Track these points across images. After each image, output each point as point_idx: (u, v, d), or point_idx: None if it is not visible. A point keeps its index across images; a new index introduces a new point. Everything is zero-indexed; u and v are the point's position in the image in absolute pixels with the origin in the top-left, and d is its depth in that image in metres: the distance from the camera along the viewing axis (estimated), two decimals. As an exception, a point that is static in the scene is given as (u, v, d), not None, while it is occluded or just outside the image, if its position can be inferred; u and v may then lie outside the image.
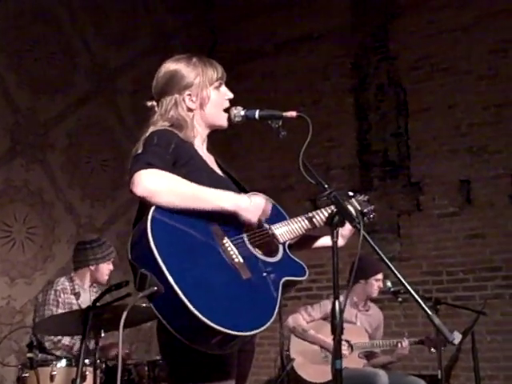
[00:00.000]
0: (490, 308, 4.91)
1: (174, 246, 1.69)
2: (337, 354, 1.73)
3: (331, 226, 1.86)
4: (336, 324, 1.74)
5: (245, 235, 1.89)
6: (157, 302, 1.63)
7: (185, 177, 1.80)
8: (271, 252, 1.95)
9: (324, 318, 4.57)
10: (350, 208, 2.03)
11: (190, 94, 1.98)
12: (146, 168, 1.74)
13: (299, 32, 6.71)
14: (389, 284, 4.36)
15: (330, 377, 3.99)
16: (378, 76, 6.36)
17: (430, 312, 1.71)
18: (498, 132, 5.70)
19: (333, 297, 1.80)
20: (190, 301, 1.60)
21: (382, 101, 6.34)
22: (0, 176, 5.22)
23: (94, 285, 4.15)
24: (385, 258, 1.79)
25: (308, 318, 4.60)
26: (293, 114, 1.97)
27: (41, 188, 5.54)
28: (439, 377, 3.70)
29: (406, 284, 1.77)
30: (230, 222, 1.85)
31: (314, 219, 2.07)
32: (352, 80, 6.50)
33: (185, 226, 1.75)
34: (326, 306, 4.57)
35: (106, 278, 4.09)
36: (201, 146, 2.01)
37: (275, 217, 2.02)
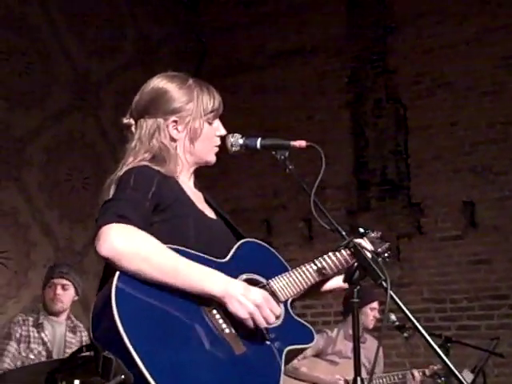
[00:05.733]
0: (496, 339, 4.80)
1: (146, 320, 1.49)
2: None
3: (351, 283, 1.71)
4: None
5: None
6: None
7: (166, 225, 1.65)
8: None
9: (316, 355, 4.39)
10: (368, 254, 1.77)
11: (175, 121, 1.82)
12: (117, 222, 1.55)
13: (292, 44, 6.65)
14: (393, 318, 4.21)
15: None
16: (376, 90, 6.31)
17: (447, 360, 1.63)
18: (503, 151, 5.62)
19: (353, 377, 1.67)
20: None
21: (379, 116, 6.28)
22: (-29, 195, 5.17)
23: (73, 319, 3.96)
24: (414, 320, 1.66)
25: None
26: (302, 143, 1.83)
27: (15, 208, 5.41)
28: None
29: (423, 331, 1.66)
30: None
31: (324, 270, 1.86)
32: (348, 94, 6.44)
33: (159, 292, 1.55)
34: (318, 341, 4.43)
35: (56, 305, 3.81)
36: (187, 182, 1.85)
37: (273, 267, 1.82)
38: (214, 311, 1.60)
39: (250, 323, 1.60)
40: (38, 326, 3.77)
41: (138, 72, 6.10)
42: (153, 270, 1.54)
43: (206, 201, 1.92)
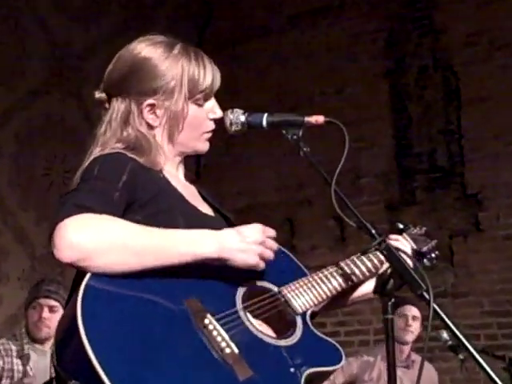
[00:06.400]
0: None
1: (123, 340, 1.46)
2: None
3: (384, 294, 1.70)
4: None
5: (240, 307, 1.68)
6: None
7: (149, 223, 1.61)
8: (285, 329, 1.75)
9: (350, 382, 4.52)
10: (408, 260, 1.75)
11: (152, 105, 1.81)
12: (75, 213, 1.53)
13: (316, 1, 6.66)
14: (445, 336, 4.26)
15: None
16: (421, 56, 6.30)
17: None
18: None
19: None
20: None
21: (425, 88, 6.27)
22: None
23: None
24: (463, 339, 1.64)
25: None
26: (319, 119, 1.82)
27: (-18, 210, 5.52)
28: None
29: (475, 353, 1.64)
30: (213, 287, 1.66)
31: (353, 276, 1.90)
32: (386, 61, 6.45)
33: (140, 305, 1.53)
34: (351, 365, 4.52)
35: (41, 331, 3.77)
36: (174, 173, 1.87)
37: (288, 273, 1.84)
38: (210, 327, 1.58)
39: (262, 265, 1.67)
40: (23, 358, 3.72)
41: (128, 41, 6.04)
42: (133, 256, 1.54)
43: (202, 196, 1.93)
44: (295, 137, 1.81)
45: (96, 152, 1.74)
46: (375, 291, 1.73)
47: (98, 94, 1.86)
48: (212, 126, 1.87)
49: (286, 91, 6.49)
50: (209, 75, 1.84)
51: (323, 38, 6.62)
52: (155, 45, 1.82)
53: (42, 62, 5.89)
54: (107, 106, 1.84)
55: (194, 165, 6.38)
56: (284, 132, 1.82)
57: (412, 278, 1.63)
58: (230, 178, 6.26)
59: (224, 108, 1.89)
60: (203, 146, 1.88)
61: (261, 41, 6.81)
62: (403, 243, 2.04)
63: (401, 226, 2.14)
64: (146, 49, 1.81)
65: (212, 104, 1.87)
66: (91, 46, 6.26)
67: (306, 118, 1.82)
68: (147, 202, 1.69)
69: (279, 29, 6.81)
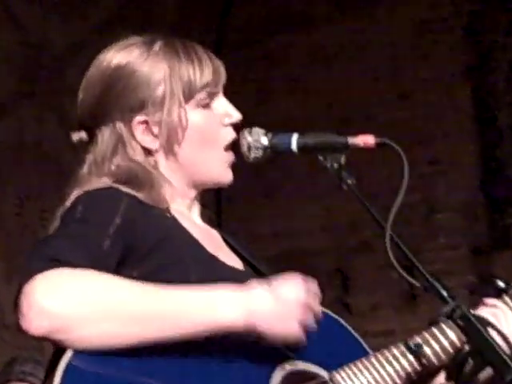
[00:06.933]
0: None
1: None
2: None
3: (460, 379, 1.71)
4: None
5: None
6: None
7: (150, 281, 1.62)
8: None
9: None
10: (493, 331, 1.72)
11: (145, 122, 1.83)
12: (48, 269, 1.52)
13: None
14: None
15: None
16: None
17: None
18: None
19: None
20: None
21: None
22: None
23: None
24: None
25: None
26: (368, 140, 1.80)
27: None
28: None
29: None
30: (237, 371, 1.66)
31: (424, 359, 1.81)
32: (466, 57, 6.37)
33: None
34: None
35: None
36: (186, 213, 1.89)
37: (341, 348, 1.85)
38: None
39: (303, 338, 1.67)
40: None
41: (120, 36, 6.14)
42: (128, 326, 1.57)
43: (226, 242, 1.95)
44: (336, 165, 1.78)
45: (76, 194, 1.77)
46: (449, 377, 1.78)
47: (77, 136, 1.90)
48: (231, 134, 1.86)
49: (332, 98, 6.39)
50: (207, 68, 1.86)
51: (381, 29, 6.49)
52: (128, 47, 1.86)
53: (10, 66, 5.84)
54: (92, 144, 1.88)
55: (214, 197, 6.13)
56: (321, 158, 1.80)
57: (500, 358, 1.61)
58: (261, 216, 6.16)
59: (250, 122, 1.89)
60: (224, 174, 1.88)
61: (299, 33, 6.71)
62: (503, 312, 1.90)
63: (501, 284, 1.94)
64: (118, 55, 1.85)
65: (224, 103, 1.88)
66: (73, 45, 6.20)
67: (351, 140, 1.79)
68: (149, 253, 1.70)
69: (323, 17, 6.71)
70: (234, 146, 1.86)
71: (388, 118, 6.10)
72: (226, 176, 1.87)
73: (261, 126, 1.87)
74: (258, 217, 6.48)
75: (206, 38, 6.13)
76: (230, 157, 1.86)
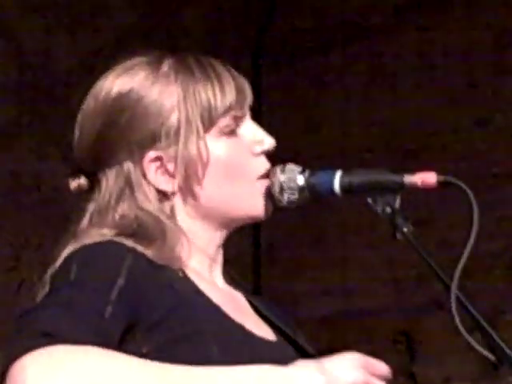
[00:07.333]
0: None
1: None
2: None
3: None
4: None
5: None
6: None
7: (162, 358, 1.52)
8: None
9: None
10: None
11: (158, 159, 1.72)
12: (39, 346, 1.42)
13: None
14: None
15: None
16: None
17: None
18: None
19: None
20: None
21: None
22: None
23: None
24: None
25: None
26: (428, 179, 1.71)
27: None
28: None
29: None
30: None
31: None
32: None
33: None
34: None
35: None
36: (205, 275, 1.78)
37: None
38: None
39: None
40: None
41: (140, 49, 6.37)
42: None
43: (255, 308, 1.83)
44: (389, 209, 1.68)
45: (68, 250, 1.68)
46: None
47: (75, 183, 1.82)
48: (264, 164, 1.80)
49: (391, 124, 6.02)
50: (229, 87, 1.79)
51: (453, 40, 6.03)
52: (131, 70, 1.78)
53: (5, 91, 5.68)
54: (94, 191, 1.80)
55: (252, 245, 6.13)
56: (370, 201, 1.72)
57: None
58: (309, 268, 5.79)
59: (295, 155, 2.24)
60: (258, 208, 1.79)
61: (352, 46, 6.32)
62: None
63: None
64: (118, 80, 1.77)
65: (252, 128, 1.81)
66: (81, 62, 5.96)
67: (407, 178, 1.70)
68: (159, 322, 1.59)
69: (381, 27, 6.31)
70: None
71: (460, 148, 5.80)
72: (260, 207, 1.79)
73: (309, 160, 1.87)
74: (305, 269, 6.07)
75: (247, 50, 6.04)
76: (265, 184, 1.77)
